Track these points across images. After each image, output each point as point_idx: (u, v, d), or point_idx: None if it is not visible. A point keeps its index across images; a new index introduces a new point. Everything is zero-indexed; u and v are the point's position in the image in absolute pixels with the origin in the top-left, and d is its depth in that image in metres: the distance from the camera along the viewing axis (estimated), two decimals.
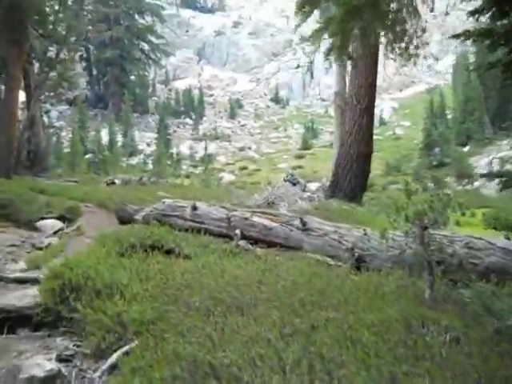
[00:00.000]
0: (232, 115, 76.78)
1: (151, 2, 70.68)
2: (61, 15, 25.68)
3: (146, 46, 69.08)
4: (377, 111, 78.94)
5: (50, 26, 25.68)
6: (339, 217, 11.38)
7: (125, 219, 9.24)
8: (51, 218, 10.31)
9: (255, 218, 7.55)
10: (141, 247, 6.26)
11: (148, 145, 59.02)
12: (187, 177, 42.92)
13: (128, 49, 65.32)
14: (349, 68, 14.99)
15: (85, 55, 64.23)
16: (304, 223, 7.28)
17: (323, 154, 56.34)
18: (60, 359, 3.84)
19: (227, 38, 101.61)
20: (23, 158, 25.46)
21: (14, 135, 19.74)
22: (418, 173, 35.13)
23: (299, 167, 49.69)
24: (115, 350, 3.80)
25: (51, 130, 41.50)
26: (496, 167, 30.85)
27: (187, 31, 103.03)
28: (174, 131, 65.85)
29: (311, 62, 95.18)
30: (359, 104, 13.67)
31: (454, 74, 76.23)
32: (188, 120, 72.61)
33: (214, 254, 6.73)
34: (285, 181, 20.95)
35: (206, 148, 55.77)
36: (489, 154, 35.32)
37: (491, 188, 30.12)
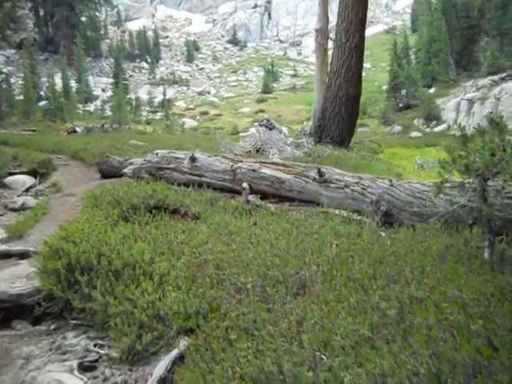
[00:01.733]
0: (189, 58, 74.11)
1: None
2: None
3: None
4: None
5: None
6: (334, 163, 10.60)
7: (108, 173, 8.21)
8: (21, 173, 9.13)
9: (265, 170, 6.64)
10: (144, 208, 5.31)
11: (103, 90, 56.55)
12: (148, 123, 41.26)
13: None
14: (333, 3, 13.86)
15: None
16: (322, 174, 6.44)
17: (285, 97, 55.22)
18: (83, 367, 2.94)
19: None
20: None
21: None
22: (386, 115, 34.51)
23: (261, 111, 48.48)
24: (154, 353, 2.93)
25: None
26: (464, 108, 30.48)
27: None
28: (130, 76, 63.24)
29: (269, 2, 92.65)
30: (348, 42, 12.63)
31: (412, 14, 75.26)
32: (144, 64, 69.67)
33: (225, 212, 5.87)
34: (260, 126, 19.96)
35: (164, 93, 53.72)
36: (455, 96, 34.91)
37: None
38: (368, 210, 6.11)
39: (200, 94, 60.48)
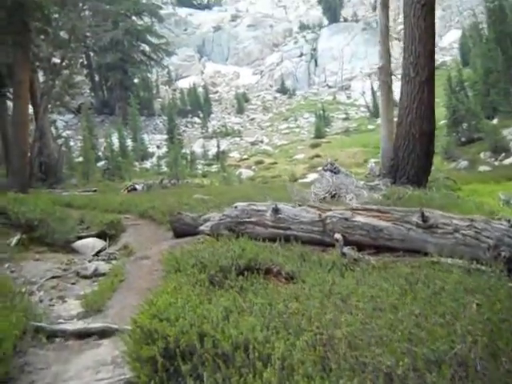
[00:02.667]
0: (240, 110, 74.94)
1: (148, 3, 68.89)
2: (63, 16, 24.14)
3: (146, 48, 67.29)
4: None
5: (52, 30, 24.19)
6: (418, 205, 9.76)
7: (182, 231, 7.64)
8: (89, 236, 8.69)
9: (359, 218, 5.92)
10: (235, 270, 4.66)
11: (158, 147, 57.43)
12: (204, 176, 41.35)
13: (129, 51, 63.55)
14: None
15: (85, 62, 62.48)
16: (425, 218, 5.66)
17: (338, 141, 54.64)
18: None
19: (226, 33, 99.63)
20: (36, 170, 24.01)
21: (27, 146, 18.18)
22: (448, 151, 33.15)
23: (317, 156, 47.96)
24: None
25: (59, 140, 39.90)
26: None
27: (185, 29, 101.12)
28: (183, 131, 64.26)
29: (314, 49, 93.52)
30: (418, 76, 11.93)
31: (461, 48, 74.05)
32: (196, 119, 70.87)
33: (322, 269, 5.15)
34: (324, 170, 19.29)
35: (218, 145, 54.13)
36: None
37: None
38: (485, 256, 5.28)
39: (253, 143, 60.63)
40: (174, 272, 4.96)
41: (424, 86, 11.99)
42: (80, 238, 8.53)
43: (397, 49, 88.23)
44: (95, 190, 23.61)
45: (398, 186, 11.70)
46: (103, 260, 7.42)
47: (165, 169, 43.17)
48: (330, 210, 6.22)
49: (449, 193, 12.29)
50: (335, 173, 18.50)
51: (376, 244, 5.90)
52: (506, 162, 28.42)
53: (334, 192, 10.50)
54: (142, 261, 6.46)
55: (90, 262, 7.33)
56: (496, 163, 28.66)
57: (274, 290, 4.25)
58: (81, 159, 38.08)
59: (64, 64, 25.99)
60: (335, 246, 5.90)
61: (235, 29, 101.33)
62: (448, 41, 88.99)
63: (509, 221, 5.44)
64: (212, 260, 4.82)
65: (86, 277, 6.57)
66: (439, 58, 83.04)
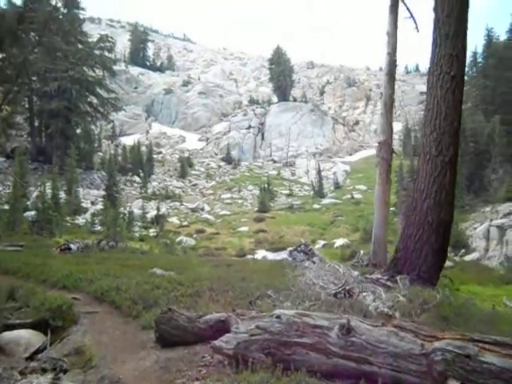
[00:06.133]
0: (182, 174, 72.50)
1: (102, 55, 66.66)
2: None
3: (94, 100, 64.46)
4: (330, 174, 76.97)
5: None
6: (456, 315, 7.66)
7: (171, 337, 5.06)
8: (23, 325, 5.86)
9: (490, 357, 3.64)
10: None
11: (93, 203, 53.70)
12: (141, 240, 38.11)
13: (75, 101, 60.43)
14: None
15: (27, 105, 58.61)
16: None
17: (283, 217, 53.00)
18: None
19: (176, 97, 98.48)
20: None
21: None
22: None
23: (262, 231, 45.90)
24: None
25: None
26: (495, 236, 28.12)
27: (136, 88, 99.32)
28: (122, 189, 60.80)
29: (262, 124, 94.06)
30: (441, 155, 10.10)
31: (404, 139, 75.81)
32: (136, 178, 67.72)
33: None
34: (297, 251, 17.12)
35: (158, 208, 51.21)
36: (475, 221, 32.93)
37: (492, 258, 27.34)
38: None
39: (193, 210, 57.98)
40: None
41: (447, 168, 10.16)
42: (8, 327, 5.68)
43: (340, 133, 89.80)
44: (22, 246, 20.34)
45: (414, 285, 9.59)
46: (43, 371, 4.68)
47: (98, 227, 39.70)
48: (436, 337, 3.90)
49: (469, 298, 10.27)
50: (307, 254, 16.22)
51: None
52: (467, 258, 27.29)
53: (347, 287, 8.19)
54: None
55: (22, 376, 4.58)
56: (456, 258, 27.44)
57: None
58: (7, 207, 34.28)
59: (7, 100, 23.19)
60: None
61: (186, 94, 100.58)
62: (395, 129, 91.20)
63: None
64: None
65: None
66: None
